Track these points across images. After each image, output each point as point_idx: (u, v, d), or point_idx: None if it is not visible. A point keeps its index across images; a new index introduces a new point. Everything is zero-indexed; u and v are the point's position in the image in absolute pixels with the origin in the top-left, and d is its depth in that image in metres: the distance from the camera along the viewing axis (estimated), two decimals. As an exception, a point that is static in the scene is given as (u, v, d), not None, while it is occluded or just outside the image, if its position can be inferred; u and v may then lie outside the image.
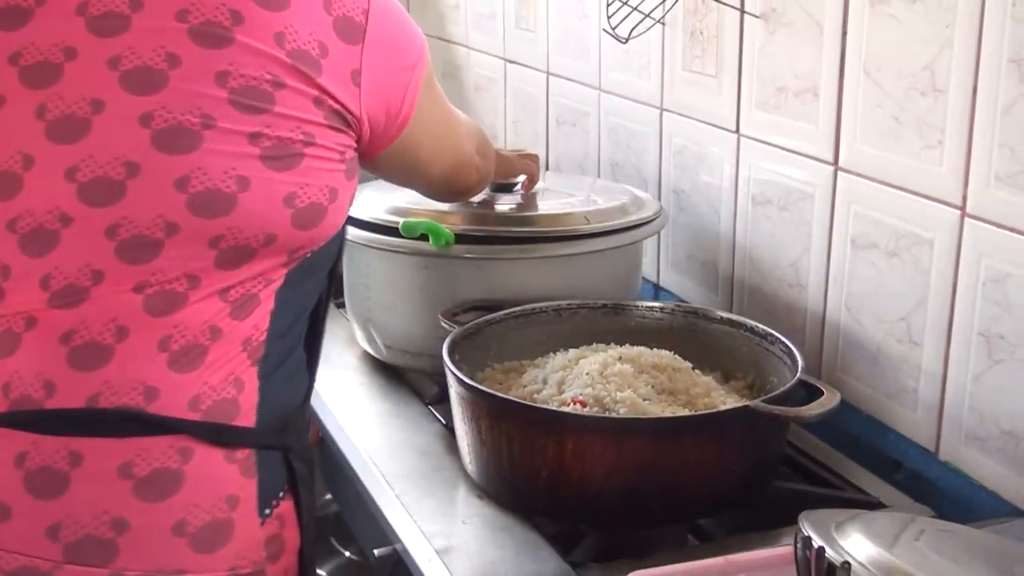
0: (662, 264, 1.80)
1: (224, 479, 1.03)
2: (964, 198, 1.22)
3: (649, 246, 1.78)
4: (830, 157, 1.40)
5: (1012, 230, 1.16)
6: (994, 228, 1.18)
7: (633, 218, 1.55)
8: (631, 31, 1.60)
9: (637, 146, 1.81)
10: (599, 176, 1.92)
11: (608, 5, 1.59)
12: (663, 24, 1.65)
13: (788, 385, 1.23)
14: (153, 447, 1.01)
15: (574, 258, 1.49)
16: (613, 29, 1.59)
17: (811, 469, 1.37)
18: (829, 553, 0.84)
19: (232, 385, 1.04)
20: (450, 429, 1.37)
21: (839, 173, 1.39)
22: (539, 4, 2.06)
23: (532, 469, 1.18)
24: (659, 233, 1.71)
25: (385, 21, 1.14)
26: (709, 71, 1.61)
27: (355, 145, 1.13)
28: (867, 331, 1.37)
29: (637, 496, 1.16)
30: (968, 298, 1.23)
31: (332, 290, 1.21)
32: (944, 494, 1.28)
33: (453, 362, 1.26)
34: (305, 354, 1.16)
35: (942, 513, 1.25)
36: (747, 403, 1.19)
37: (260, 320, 1.07)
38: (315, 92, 1.07)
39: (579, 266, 1.49)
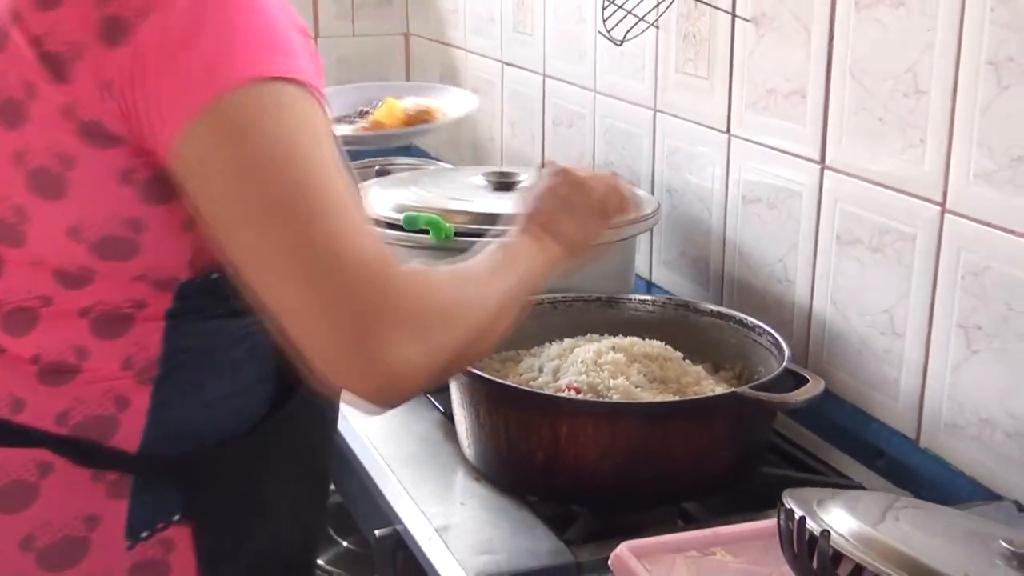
0: (655, 261, 1.85)
1: (85, 498, 0.98)
2: (944, 195, 1.27)
3: (642, 244, 1.83)
4: (817, 156, 1.45)
5: (990, 225, 1.21)
6: (973, 223, 1.23)
7: (632, 216, 1.59)
8: (626, 34, 1.65)
9: (631, 146, 1.86)
10: (594, 176, 1.97)
11: (604, 8, 1.64)
12: (657, 27, 1.70)
13: (775, 373, 1.27)
14: (13, 458, 0.97)
15: (570, 252, 1.53)
16: (609, 32, 1.64)
17: (797, 456, 1.42)
18: (810, 523, 0.89)
19: (112, 402, 0.98)
20: (448, 417, 1.42)
21: (826, 172, 1.44)
22: (536, 8, 2.11)
23: (528, 452, 1.23)
24: (652, 231, 1.76)
25: (184, 21, 0.86)
26: (701, 73, 1.66)
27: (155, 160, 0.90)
28: (851, 324, 1.42)
29: (628, 478, 1.21)
30: (948, 291, 1.28)
31: None
32: (924, 480, 1.32)
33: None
34: (269, 366, 1.04)
35: (922, 498, 1.29)
36: (735, 390, 1.24)
37: (144, 340, 0.97)
38: (63, 100, 0.89)
39: (574, 260, 1.54)
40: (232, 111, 0.85)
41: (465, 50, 2.44)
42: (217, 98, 0.85)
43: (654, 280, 1.85)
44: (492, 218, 1.55)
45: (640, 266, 1.84)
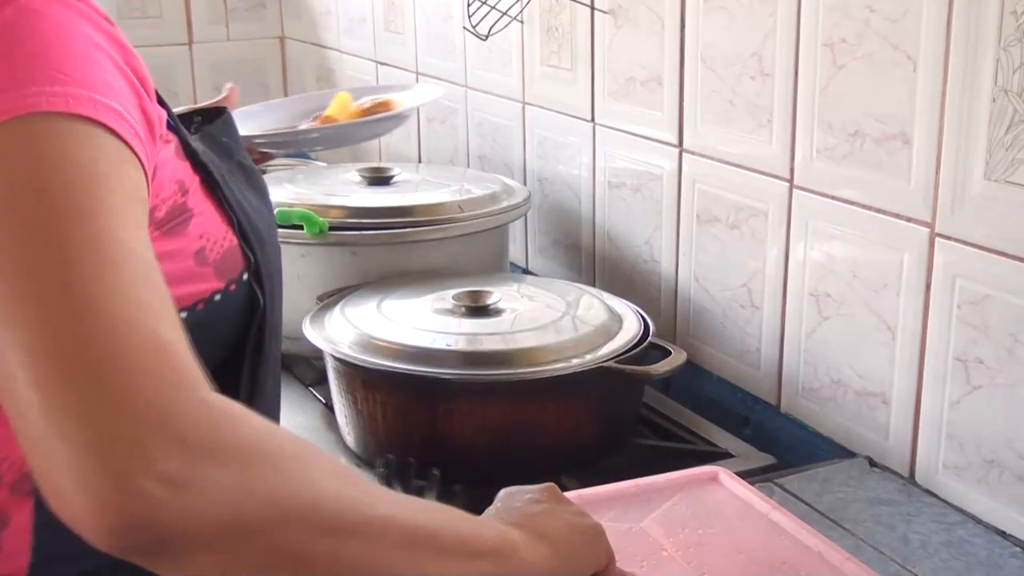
0: (530, 250, 1.90)
1: None
2: (792, 171, 1.34)
3: (517, 234, 1.88)
4: (675, 140, 1.51)
5: (833, 197, 1.29)
6: (818, 196, 1.31)
7: (504, 204, 1.65)
8: (490, 29, 1.70)
9: (502, 139, 1.92)
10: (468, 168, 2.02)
11: (468, 5, 1.69)
12: (520, 22, 1.76)
13: (640, 347, 1.33)
14: None
15: (443, 242, 1.58)
16: (474, 27, 1.69)
17: (668, 428, 1.48)
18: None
19: None
20: (331, 408, 1.45)
21: (683, 155, 1.51)
22: (407, 8, 2.15)
23: (404, 434, 1.27)
24: (526, 220, 1.81)
25: None
26: (565, 65, 1.71)
27: None
28: (714, 298, 1.49)
29: (503, 453, 1.26)
30: (798, 262, 1.35)
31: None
32: (786, 443, 1.39)
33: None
34: None
35: (784, 460, 1.36)
36: (602, 363, 1.29)
37: (8, 447, 0.77)
38: None
39: (448, 249, 1.59)
40: None
41: (340, 51, 2.47)
42: None
43: (530, 267, 1.90)
44: (367, 212, 1.59)
45: (516, 255, 1.89)
